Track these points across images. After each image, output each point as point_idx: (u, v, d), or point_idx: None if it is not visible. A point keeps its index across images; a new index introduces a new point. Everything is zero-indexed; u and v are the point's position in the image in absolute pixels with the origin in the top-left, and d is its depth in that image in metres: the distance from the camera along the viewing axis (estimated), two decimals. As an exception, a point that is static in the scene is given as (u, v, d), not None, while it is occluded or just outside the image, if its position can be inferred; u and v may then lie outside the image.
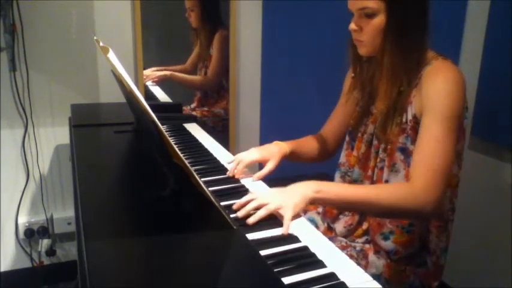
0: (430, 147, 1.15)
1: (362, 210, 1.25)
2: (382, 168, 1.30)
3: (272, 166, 1.35)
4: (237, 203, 1.12)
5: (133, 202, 1.14)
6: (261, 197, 1.11)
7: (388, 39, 1.20)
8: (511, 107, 1.93)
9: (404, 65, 1.21)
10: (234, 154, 1.59)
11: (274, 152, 1.39)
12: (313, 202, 1.14)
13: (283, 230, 1.02)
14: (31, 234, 2.19)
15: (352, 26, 1.23)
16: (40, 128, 2.13)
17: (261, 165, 1.40)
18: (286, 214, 1.05)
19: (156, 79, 2.31)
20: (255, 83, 2.38)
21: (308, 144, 1.52)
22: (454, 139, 1.17)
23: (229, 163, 1.44)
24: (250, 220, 1.05)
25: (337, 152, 1.53)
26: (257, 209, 1.08)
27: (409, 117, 1.23)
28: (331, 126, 1.53)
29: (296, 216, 1.09)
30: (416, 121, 1.22)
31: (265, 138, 2.43)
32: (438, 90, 1.17)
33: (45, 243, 2.21)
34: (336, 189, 1.16)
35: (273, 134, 2.40)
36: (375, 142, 1.32)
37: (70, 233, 2.25)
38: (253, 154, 1.39)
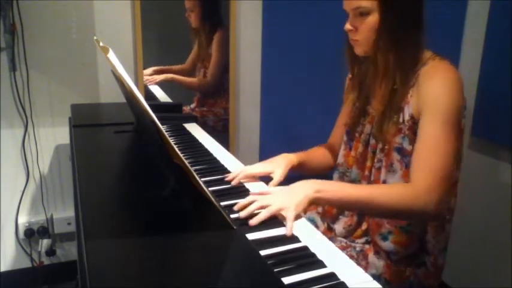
0: (429, 148, 1.16)
1: (362, 210, 1.24)
2: (379, 169, 1.30)
3: (278, 175, 1.31)
4: (239, 203, 1.11)
5: (133, 202, 1.14)
6: (263, 197, 1.11)
7: (381, 37, 1.20)
8: (511, 107, 1.93)
9: (398, 63, 1.21)
10: (234, 154, 1.59)
11: (279, 163, 1.35)
12: (315, 202, 1.14)
13: (286, 231, 1.02)
14: (31, 234, 2.19)
15: (348, 26, 1.24)
16: (40, 128, 2.13)
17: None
18: (289, 215, 1.05)
19: (157, 83, 2.32)
20: (255, 83, 2.38)
21: (318, 155, 1.50)
22: (453, 139, 1.17)
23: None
24: (253, 221, 1.05)
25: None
26: (259, 209, 1.08)
27: (406, 117, 1.23)
28: (339, 133, 1.49)
29: (297, 216, 1.09)
30: (414, 121, 1.21)
31: (265, 138, 2.43)
32: (435, 91, 1.17)
33: (45, 243, 2.21)
34: (336, 188, 1.17)
35: (273, 134, 2.43)
36: (372, 142, 1.32)
37: (70, 233, 2.25)
38: (256, 167, 1.34)
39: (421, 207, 1.14)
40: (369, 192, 1.17)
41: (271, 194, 1.14)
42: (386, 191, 1.17)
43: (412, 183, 1.16)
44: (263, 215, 1.06)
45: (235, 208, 1.11)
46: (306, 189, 1.12)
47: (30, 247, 2.23)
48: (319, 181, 1.15)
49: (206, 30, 2.35)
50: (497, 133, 2.03)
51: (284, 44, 2.33)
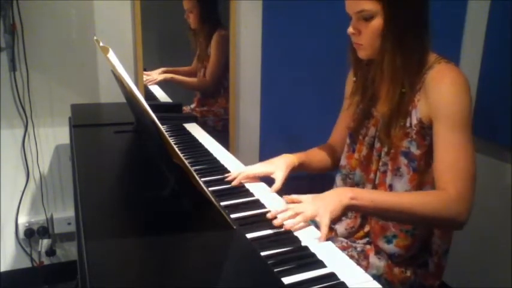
0: (454, 157, 1.16)
1: (396, 217, 1.22)
2: (385, 172, 1.29)
3: (280, 177, 1.31)
4: (272, 211, 1.10)
5: (133, 202, 1.14)
6: (296, 205, 1.11)
7: (387, 41, 1.19)
8: (511, 107, 1.93)
9: (405, 67, 1.20)
10: (234, 154, 1.59)
11: (279, 164, 1.35)
12: (349, 209, 1.14)
13: (320, 237, 1.02)
14: (31, 234, 2.19)
15: (350, 29, 1.23)
16: (40, 128, 2.13)
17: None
18: (323, 221, 1.05)
19: (156, 83, 2.32)
20: (255, 83, 2.38)
21: (318, 155, 1.50)
22: (471, 142, 1.18)
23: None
24: (287, 226, 1.05)
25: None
26: (293, 217, 1.07)
27: (414, 121, 1.22)
28: (339, 134, 1.50)
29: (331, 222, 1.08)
30: (422, 126, 1.21)
31: (265, 138, 2.43)
32: (447, 96, 1.17)
33: (45, 243, 2.21)
34: (370, 196, 1.16)
35: (273, 134, 2.42)
36: (377, 145, 1.31)
37: (70, 233, 2.25)
38: (256, 168, 1.35)
39: (454, 216, 1.14)
40: (402, 200, 1.16)
41: (305, 201, 1.13)
42: (421, 200, 1.16)
43: (443, 192, 1.15)
44: (298, 220, 1.06)
45: (269, 216, 1.09)
46: (341, 196, 1.12)
47: (30, 247, 2.23)
48: (353, 188, 1.17)
49: (205, 31, 2.35)
50: (498, 133, 2.03)
51: (284, 44, 2.33)
